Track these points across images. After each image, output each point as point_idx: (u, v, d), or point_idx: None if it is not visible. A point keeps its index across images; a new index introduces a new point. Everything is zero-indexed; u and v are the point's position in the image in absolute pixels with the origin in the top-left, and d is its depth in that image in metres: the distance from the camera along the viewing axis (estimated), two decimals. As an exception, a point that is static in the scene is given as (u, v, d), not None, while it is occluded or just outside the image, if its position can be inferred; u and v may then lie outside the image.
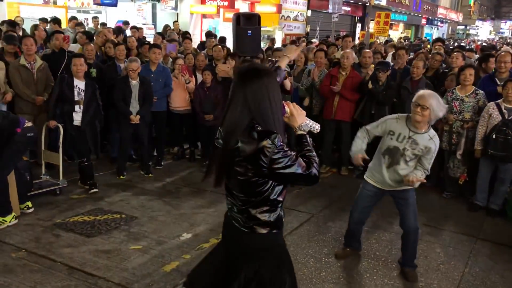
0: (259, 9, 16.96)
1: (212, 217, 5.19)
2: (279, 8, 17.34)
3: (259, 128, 2.05)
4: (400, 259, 4.15)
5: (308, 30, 21.24)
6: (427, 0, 36.56)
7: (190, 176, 6.66)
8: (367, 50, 6.89)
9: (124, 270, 3.98)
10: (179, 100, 7.09)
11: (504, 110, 5.26)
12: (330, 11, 19.27)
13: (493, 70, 6.03)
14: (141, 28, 11.32)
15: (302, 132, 2.26)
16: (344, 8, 22.42)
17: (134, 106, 6.28)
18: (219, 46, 7.82)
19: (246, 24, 7.54)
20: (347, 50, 6.59)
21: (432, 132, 3.71)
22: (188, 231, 4.81)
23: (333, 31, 16.67)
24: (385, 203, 4.93)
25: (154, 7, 16.14)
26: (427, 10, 36.67)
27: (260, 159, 2.02)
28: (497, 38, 38.89)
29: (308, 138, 2.26)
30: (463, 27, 51.63)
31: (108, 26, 10.44)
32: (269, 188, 2.15)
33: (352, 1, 25.25)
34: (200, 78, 7.01)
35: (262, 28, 13.12)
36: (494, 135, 5.26)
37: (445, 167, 5.94)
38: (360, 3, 26.21)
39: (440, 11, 40.20)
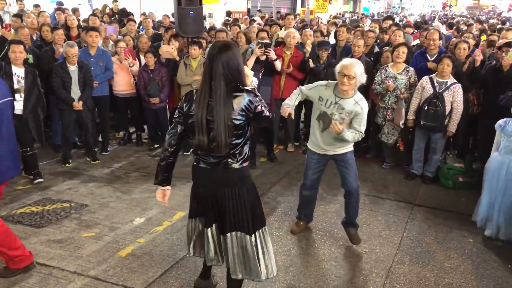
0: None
1: (164, 200, 5.24)
2: (220, -15, 17.15)
3: (240, 86, 2.78)
4: (343, 219, 4.40)
5: (249, 7, 21.17)
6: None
7: (138, 161, 6.64)
8: (307, 30, 7.04)
9: (78, 258, 3.99)
10: (123, 84, 6.99)
11: (436, 84, 5.62)
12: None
13: (424, 47, 6.38)
14: (77, 9, 10.86)
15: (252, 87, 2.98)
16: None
17: (75, 92, 6.15)
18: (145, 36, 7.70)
19: (188, 5, 7.56)
20: (291, 30, 6.71)
21: (358, 96, 3.93)
22: (141, 216, 4.85)
23: (274, 8, 16.71)
24: (330, 175, 5.23)
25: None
26: (364, -16, 37.40)
27: (249, 107, 2.76)
28: (430, 12, 40.37)
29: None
30: (398, 1, 53.17)
31: (42, 9, 9.93)
32: (248, 130, 2.89)
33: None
34: (144, 60, 6.92)
35: (205, 6, 12.73)
36: (426, 107, 5.63)
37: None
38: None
39: (376, -15, 41.13)
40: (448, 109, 5.59)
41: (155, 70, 6.77)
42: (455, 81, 5.59)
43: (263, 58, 5.75)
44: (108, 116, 7.10)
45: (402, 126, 5.83)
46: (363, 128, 3.99)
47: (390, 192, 5.62)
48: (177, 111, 2.98)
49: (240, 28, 8.81)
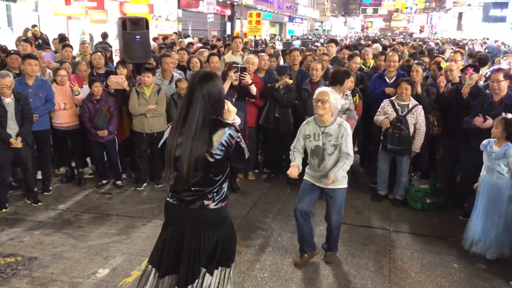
0: (129, 9, 16.07)
1: (127, 245, 4.70)
2: (152, 8, 16.65)
3: (220, 119, 2.65)
4: (323, 244, 4.48)
5: (180, 30, 20.83)
6: (288, -2, 38.48)
7: (87, 200, 6.00)
8: (263, 54, 6.86)
9: (39, 328, 3.39)
10: (65, 116, 6.32)
11: (397, 107, 5.62)
12: (202, 10, 19.15)
13: (383, 69, 6.41)
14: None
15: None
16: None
17: (12, 127, 5.46)
18: (99, 53, 7.18)
19: (133, 29, 7.10)
20: (251, 56, 6.47)
21: (339, 119, 4.12)
22: (104, 266, 4.28)
23: (210, 30, 16.53)
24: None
25: (8, 9, 14.33)
26: (289, 8, 38.60)
27: (229, 141, 2.60)
28: (352, 34, 42.40)
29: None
30: (319, 23, 55.56)
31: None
32: (227, 166, 2.73)
33: (220, 0, 25.39)
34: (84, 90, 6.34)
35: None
36: (390, 131, 5.60)
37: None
38: (228, 2, 26.49)
39: (300, 9, 42.63)
40: (412, 131, 5.60)
41: (101, 99, 6.21)
42: (416, 102, 5.62)
43: (236, 83, 5.55)
44: (50, 152, 6.41)
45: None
46: (350, 150, 4.06)
47: (363, 218, 5.48)
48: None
49: (188, 53, 8.47)
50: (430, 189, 5.80)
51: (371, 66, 7.35)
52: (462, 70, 5.76)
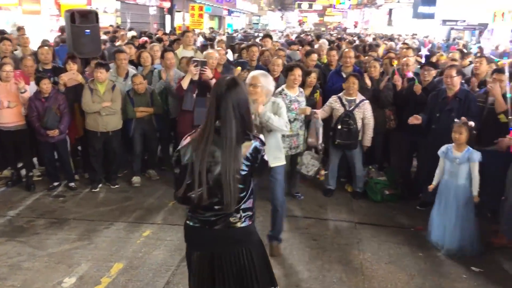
0: (66, 1, 15.21)
1: (91, 251, 4.47)
2: (89, 0, 15.89)
3: (247, 132, 2.45)
4: (269, 233, 4.41)
5: (119, 23, 20.06)
6: (227, -8, 38.24)
7: (39, 204, 5.63)
8: (219, 49, 6.75)
9: None
10: (9, 115, 5.87)
11: (345, 102, 5.73)
12: (142, 2, 18.59)
13: (340, 65, 6.51)
14: None
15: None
16: (153, -1, 21.84)
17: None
18: (46, 48, 6.74)
19: (83, 22, 6.73)
20: (210, 51, 6.32)
21: (273, 98, 4.23)
22: (70, 275, 4.04)
23: (152, 24, 16.05)
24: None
25: None
26: (228, 2, 38.38)
27: (255, 155, 2.44)
28: (290, 29, 42.85)
29: None
30: (258, 17, 55.80)
31: None
32: (251, 181, 2.53)
33: (159, -7, 24.75)
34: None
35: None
36: (339, 126, 5.70)
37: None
38: (168, -6, 25.89)
39: (239, 2, 42.51)
40: (360, 125, 5.74)
41: (50, 97, 5.82)
42: (363, 97, 5.74)
43: (196, 77, 5.41)
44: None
45: (320, 147, 5.77)
46: (285, 118, 4.17)
47: (327, 211, 5.57)
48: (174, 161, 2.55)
49: (134, 47, 8.16)
50: (388, 181, 6.00)
51: (325, 62, 7.46)
52: (421, 67, 5.98)
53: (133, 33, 13.79)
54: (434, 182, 4.80)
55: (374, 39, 19.93)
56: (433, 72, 5.94)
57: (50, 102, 5.81)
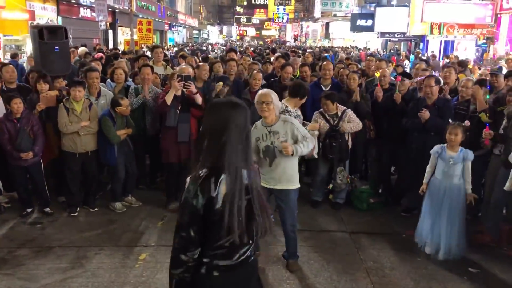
0: (6, 15, 14.40)
1: (89, 278, 4.21)
2: (33, 15, 15.11)
3: None
4: (284, 253, 4.51)
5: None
6: (169, 6, 37.89)
7: (16, 233, 5.24)
8: (202, 64, 6.64)
9: None
10: (-24, 138, 5.45)
11: (328, 117, 5.83)
12: (84, 16, 17.92)
13: (319, 77, 6.64)
14: None
15: None
16: (93, 14, 21.09)
17: None
18: (11, 66, 6.37)
19: (51, 39, 6.40)
20: (184, 66, 6.21)
21: (282, 116, 4.22)
22: (74, 307, 3.78)
23: (102, 39, 15.56)
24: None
25: None
26: (170, 16, 38.08)
27: None
28: (229, 43, 43.18)
29: None
30: (197, 31, 55.85)
31: None
32: None
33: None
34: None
35: (9, 37, 11.40)
36: (327, 141, 5.80)
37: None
38: (110, 9, 25.19)
39: (180, 17, 42.31)
40: (347, 136, 5.87)
41: (22, 118, 5.47)
42: (344, 108, 5.84)
43: (179, 93, 5.28)
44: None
45: (316, 156, 5.84)
46: (305, 133, 4.19)
47: (319, 222, 5.60)
48: (184, 212, 2.12)
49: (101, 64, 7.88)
50: (371, 189, 6.16)
51: (297, 76, 7.57)
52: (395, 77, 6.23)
53: (85, 49, 13.27)
54: (425, 180, 4.86)
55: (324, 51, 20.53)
56: (408, 82, 6.21)
57: (23, 123, 5.46)
